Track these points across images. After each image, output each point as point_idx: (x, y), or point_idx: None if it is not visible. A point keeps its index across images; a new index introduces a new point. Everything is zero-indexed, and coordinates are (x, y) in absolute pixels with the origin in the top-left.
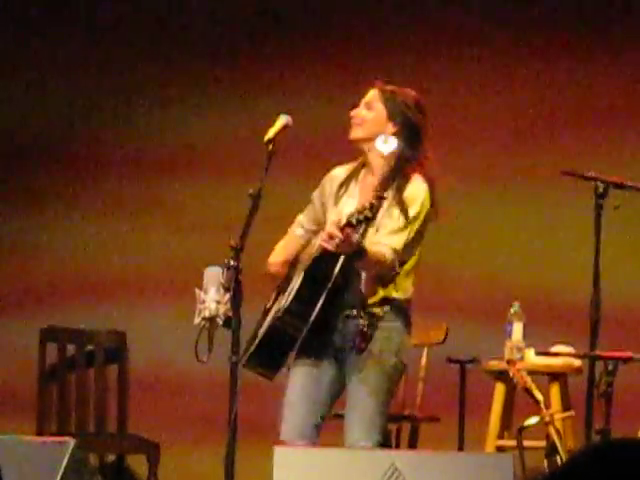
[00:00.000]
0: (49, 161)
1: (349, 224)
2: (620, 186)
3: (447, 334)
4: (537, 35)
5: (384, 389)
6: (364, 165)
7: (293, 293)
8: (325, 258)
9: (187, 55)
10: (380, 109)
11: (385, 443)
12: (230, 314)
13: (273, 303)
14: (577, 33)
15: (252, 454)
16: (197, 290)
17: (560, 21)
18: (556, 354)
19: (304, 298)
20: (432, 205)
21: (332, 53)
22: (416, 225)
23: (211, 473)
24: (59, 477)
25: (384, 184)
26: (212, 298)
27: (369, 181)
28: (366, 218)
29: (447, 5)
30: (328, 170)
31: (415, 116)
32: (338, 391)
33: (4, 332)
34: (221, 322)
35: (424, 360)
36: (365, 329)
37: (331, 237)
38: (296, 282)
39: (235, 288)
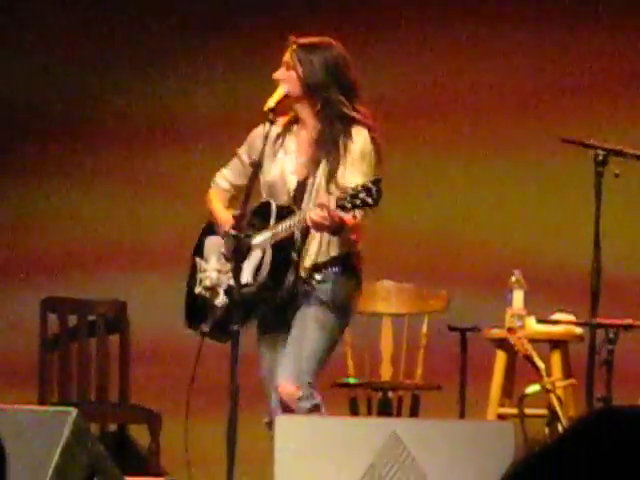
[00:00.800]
0: (49, 132)
1: (342, 207)
2: (620, 153)
3: (448, 302)
4: (537, 2)
5: (322, 337)
6: (296, 121)
7: (267, 270)
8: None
9: (189, 25)
10: (297, 71)
11: (385, 410)
12: (231, 283)
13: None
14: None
15: (254, 422)
16: (197, 259)
17: None
18: (557, 322)
19: (275, 272)
20: (377, 153)
21: (333, 23)
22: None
23: (213, 442)
24: (61, 447)
25: (328, 146)
26: (213, 267)
27: (303, 136)
28: (364, 203)
29: None
30: None
31: (325, 74)
32: None
33: (5, 303)
34: (222, 291)
35: (425, 328)
36: (314, 288)
37: (321, 223)
38: (263, 258)
39: (236, 257)
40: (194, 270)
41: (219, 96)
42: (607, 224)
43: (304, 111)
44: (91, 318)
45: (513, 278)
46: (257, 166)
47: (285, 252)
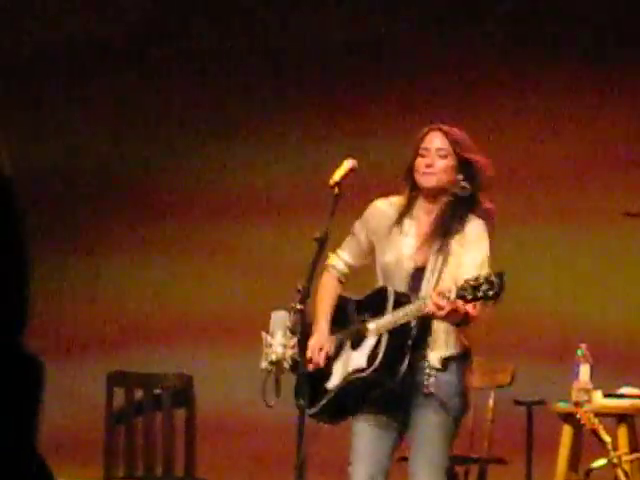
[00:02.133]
0: (115, 203)
1: (462, 297)
2: None
3: (514, 376)
4: (607, 72)
5: (449, 433)
6: (413, 202)
7: (381, 355)
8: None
9: (251, 96)
10: (451, 159)
11: None
12: (297, 358)
13: (336, 353)
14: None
15: None
16: (264, 334)
17: (622, 59)
18: (623, 396)
19: (390, 358)
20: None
21: (394, 95)
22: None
23: None
24: None
25: (444, 232)
26: (279, 342)
27: (424, 221)
28: (486, 296)
29: (507, 47)
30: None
31: (476, 161)
32: (401, 436)
33: (72, 378)
34: (288, 366)
35: (491, 402)
36: (433, 376)
37: (439, 308)
38: (379, 344)
39: (302, 332)
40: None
41: (293, 171)
42: None
43: (438, 199)
44: (157, 392)
45: (579, 352)
46: (322, 242)
47: (400, 340)
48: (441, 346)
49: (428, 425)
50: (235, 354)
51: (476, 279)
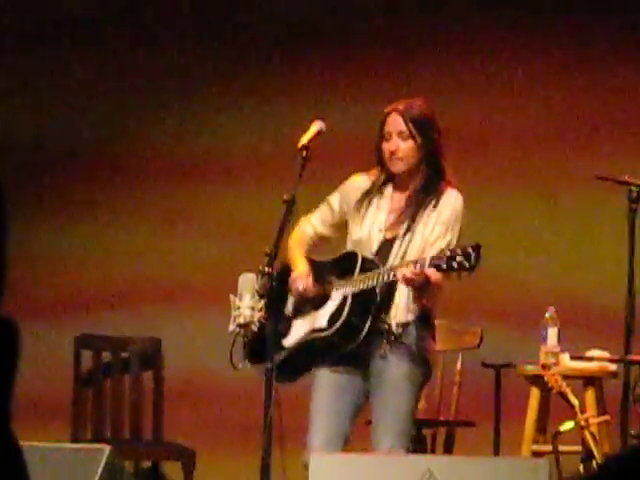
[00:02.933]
0: (81, 169)
1: (437, 267)
2: None
3: (482, 339)
4: (574, 38)
5: (413, 395)
6: (389, 180)
7: (343, 317)
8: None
9: (222, 61)
10: (411, 140)
11: (419, 447)
12: (264, 320)
13: (296, 312)
14: (614, 36)
15: (287, 461)
16: (232, 297)
17: (596, 25)
18: (591, 358)
19: (352, 320)
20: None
21: (364, 59)
22: (455, 240)
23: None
24: None
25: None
26: (247, 305)
27: (397, 199)
28: (462, 268)
29: (479, 11)
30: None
31: (434, 133)
32: (363, 399)
33: (39, 340)
34: (256, 329)
35: (459, 365)
36: (394, 338)
37: (412, 279)
38: (343, 305)
39: (269, 294)
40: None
41: (259, 134)
42: None
43: (410, 178)
44: (125, 355)
45: (547, 315)
46: (290, 204)
47: (364, 304)
48: (402, 312)
49: (389, 391)
50: (203, 317)
51: (452, 250)
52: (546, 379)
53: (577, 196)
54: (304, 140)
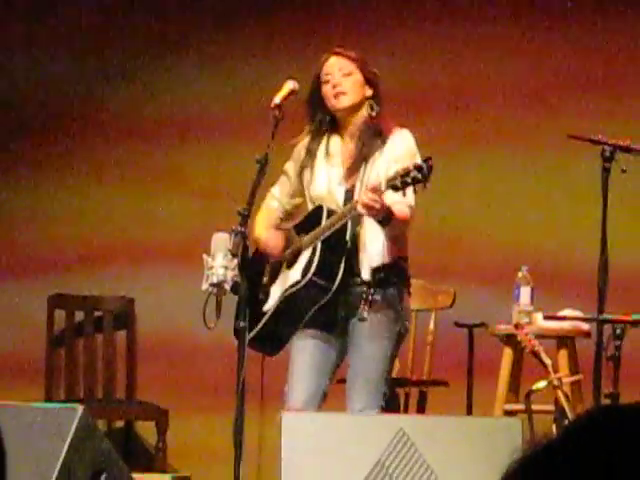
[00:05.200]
0: (56, 127)
1: (394, 187)
2: (627, 149)
3: (455, 299)
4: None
5: (387, 355)
6: (331, 129)
7: (315, 264)
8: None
9: (196, 21)
10: (357, 75)
11: (392, 407)
12: (238, 279)
13: (272, 278)
14: None
15: (260, 420)
16: (205, 256)
17: None
18: (564, 318)
19: (324, 266)
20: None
21: (339, 20)
22: None
23: (220, 439)
24: (67, 443)
25: (369, 147)
26: (220, 264)
27: (346, 143)
28: (415, 180)
29: None
30: None
31: (377, 76)
32: (340, 359)
33: (12, 299)
34: (228, 287)
35: (432, 325)
36: (371, 296)
37: (372, 206)
38: (313, 255)
39: (242, 254)
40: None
41: (229, 92)
42: (614, 220)
43: (355, 118)
44: (98, 314)
45: (520, 274)
46: (263, 163)
47: (334, 249)
48: (373, 256)
49: (365, 350)
50: (176, 277)
51: (404, 168)
52: (519, 339)
53: (550, 155)
54: (277, 99)
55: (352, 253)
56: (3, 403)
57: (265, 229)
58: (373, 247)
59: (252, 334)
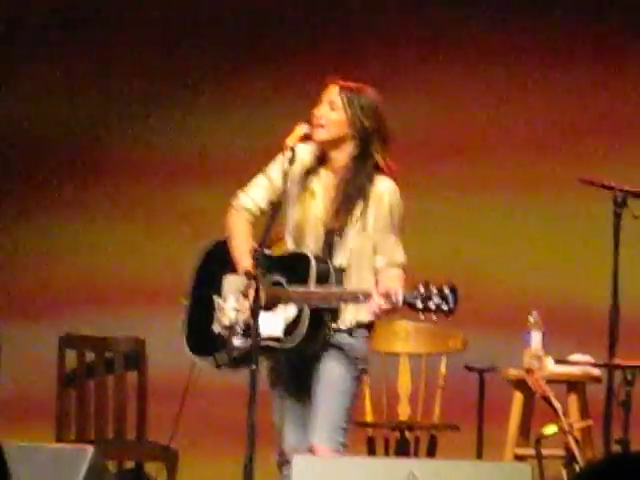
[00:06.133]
0: (71, 166)
1: (411, 305)
2: (639, 195)
3: (465, 343)
4: (554, 40)
5: (350, 393)
6: (321, 162)
7: (304, 332)
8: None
9: (202, 61)
10: (341, 112)
11: (403, 451)
12: (249, 322)
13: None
14: (597, 38)
15: (272, 462)
16: (216, 298)
17: (579, 25)
18: (575, 363)
19: (310, 333)
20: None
21: (348, 62)
22: (400, 233)
23: None
24: None
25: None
26: (231, 306)
27: (330, 180)
28: (438, 309)
29: (460, 9)
30: None
31: (371, 121)
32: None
33: (23, 339)
34: (240, 330)
35: (443, 369)
36: (338, 333)
37: (382, 314)
38: (299, 318)
39: (254, 296)
40: (198, 292)
41: (245, 133)
42: (625, 265)
43: (338, 155)
44: (109, 355)
45: (531, 319)
46: (278, 208)
47: (320, 316)
48: (351, 313)
49: (328, 380)
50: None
51: (427, 289)
52: (530, 383)
53: (562, 200)
54: (289, 142)
55: (334, 312)
56: (14, 443)
57: (245, 239)
58: (347, 314)
59: (218, 362)
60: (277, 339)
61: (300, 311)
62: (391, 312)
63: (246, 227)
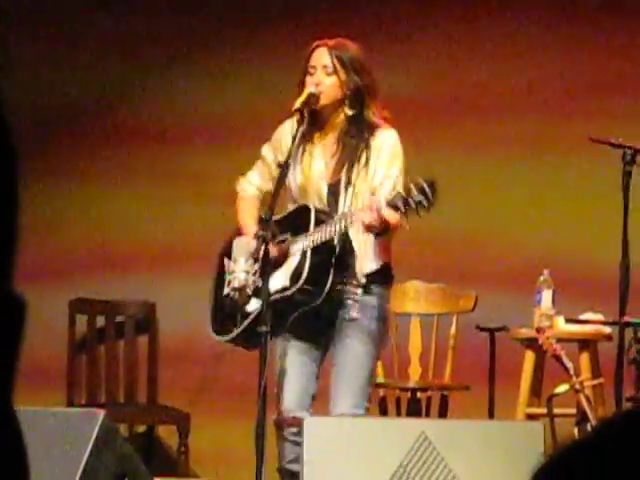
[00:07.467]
0: (79, 132)
1: (394, 207)
2: None
3: (476, 302)
4: (565, 3)
5: (373, 356)
6: (317, 124)
7: (305, 274)
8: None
9: (210, 26)
10: (339, 75)
11: (414, 411)
12: (259, 284)
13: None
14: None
15: None
16: (226, 260)
17: None
18: (585, 321)
19: (314, 275)
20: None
21: (353, 20)
22: (402, 177)
23: (242, 443)
24: (89, 448)
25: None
26: (241, 268)
27: (330, 139)
28: (419, 205)
29: None
30: None
31: (362, 77)
32: (323, 359)
33: (33, 304)
34: (250, 292)
35: (453, 329)
36: (358, 298)
37: (373, 226)
38: (303, 260)
39: (264, 258)
40: (220, 276)
41: (250, 94)
42: (636, 223)
43: (336, 115)
44: (120, 319)
45: (542, 278)
46: (285, 167)
47: (324, 257)
48: (364, 261)
49: (353, 350)
50: (197, 281)
51: (408, 190)
52: (540, 342)
53: (572, 158)
54: (297, 104)
55: (342, 258)
56: (25, 408)
57: (252, 219)
58: (364, 252)
59: (231, 336)
60: (283, 289)
61: (302, 257)
62: (382, 223)
63: (251, 202)
